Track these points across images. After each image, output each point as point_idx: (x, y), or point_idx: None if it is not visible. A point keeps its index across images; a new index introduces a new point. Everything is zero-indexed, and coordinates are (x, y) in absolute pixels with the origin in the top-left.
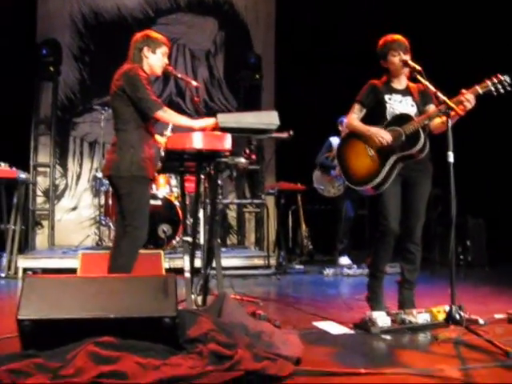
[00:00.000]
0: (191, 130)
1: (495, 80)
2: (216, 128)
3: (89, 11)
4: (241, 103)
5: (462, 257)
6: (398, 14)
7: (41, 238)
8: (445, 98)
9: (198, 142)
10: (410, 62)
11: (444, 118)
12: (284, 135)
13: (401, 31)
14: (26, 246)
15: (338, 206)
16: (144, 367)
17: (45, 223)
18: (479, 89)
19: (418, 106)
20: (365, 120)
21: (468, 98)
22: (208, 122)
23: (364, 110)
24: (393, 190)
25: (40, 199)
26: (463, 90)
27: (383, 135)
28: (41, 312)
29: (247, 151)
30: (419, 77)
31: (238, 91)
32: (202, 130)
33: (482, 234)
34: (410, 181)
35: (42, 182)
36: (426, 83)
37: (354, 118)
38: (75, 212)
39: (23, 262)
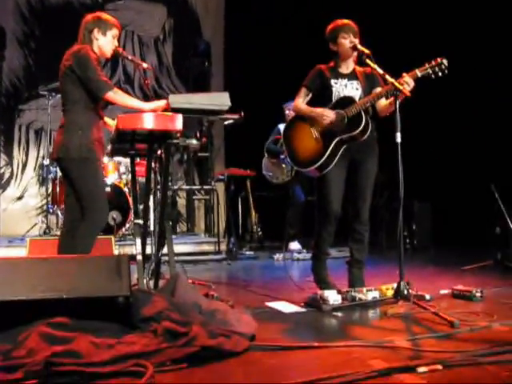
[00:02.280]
0: (141, 111)
1: (434, 63)
2: (167, 109)
3: None
4: (190, 90)
5: (408, 240)
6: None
7: None
8: (392, 80)
9: (149, 122)
10: (359, 46)
11: (390, 100)
12: (235, 116)
13: (349, 16)
14: None
15: (287, 191)
16: (98, 346)
17: None
18: (418, 72)
19: (363, 89)
20: (311, 104)
21: (406, 81)
22: (158, 103)
23: (310, 94)
24: (337, 171)
25: None
26: (404, 74)
27: (327, 114)
28: None
29: (198, 135)
30: (368, 60)
31: (187, 78)
32: (153, 111)
33: (428, 217)
34: (355, 162)
35: None
36: (375, 66)
37: (300, 101)
38: (21, 201)
39: None
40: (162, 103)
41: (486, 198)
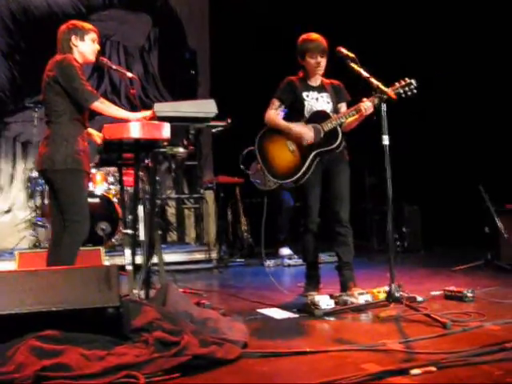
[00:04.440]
0: (128, 121)
1: (403, 83)
2: (154, 118)
3: (17, 7)
4: (176, 99)
5: (398, 243)
6: (331, 8)
7: None
8: (378, 83)
9: (135, 131)
10: (343, 50)
11: (355, 116)
12: (222, 123)
13: (330, 23)
14: None
15: (276, 197)
16: (88, 358)
17: None
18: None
19: (332, 101)
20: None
21: (367, 105)
22: (145, 113)
23: (282, 106)
24: (313, 180)
25: None
26: (364, 98)
27: (306, 135)
28: None
29: (185, 142)
30: (353, 64)
31: (174, 87)
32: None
33: (418, 220)
34: (329, 170)
35: None
36: (360, 70)
37: (274, 113)
38: (9, 214)
39: None
40: (148, 113)
41: (474, 198)
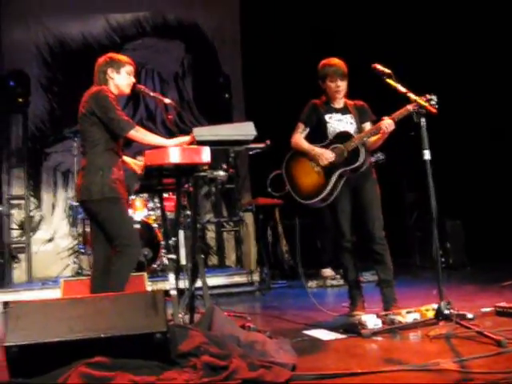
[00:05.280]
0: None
1: (424, 99)
2: (193, 142)
3: (54, 40)
4: (212, 123)
5: (443, 259)
6: (362, 33)
7: (18, 271)
8: (416, 98)
9: (175, 156)
10: (379, 67)
11: (379, 135)
12: (261, 145)
13: (363, 46)
14: (2, 280)
15: (319, 216)
16: None
17: (21, 256)
18: (410, 107)
19: (356, 122)
20: (307, 138)
21: (388, 123)
22: (182, 139)
23: (308, 129)
24: (342, 200)
25: (15, 232)
26: (383, 117)
27: (326, 156)
28: (28, 337)
29: (225, 166)
30: (389, 80)
31: (209, 112)
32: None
33: (461, 234)
34: (357, 188)
35: (17, 215)
36: (396, 85)
37: (298, 137)
38: (52, 243)
39: (2, 296)
40: (185, 139)
41: None
